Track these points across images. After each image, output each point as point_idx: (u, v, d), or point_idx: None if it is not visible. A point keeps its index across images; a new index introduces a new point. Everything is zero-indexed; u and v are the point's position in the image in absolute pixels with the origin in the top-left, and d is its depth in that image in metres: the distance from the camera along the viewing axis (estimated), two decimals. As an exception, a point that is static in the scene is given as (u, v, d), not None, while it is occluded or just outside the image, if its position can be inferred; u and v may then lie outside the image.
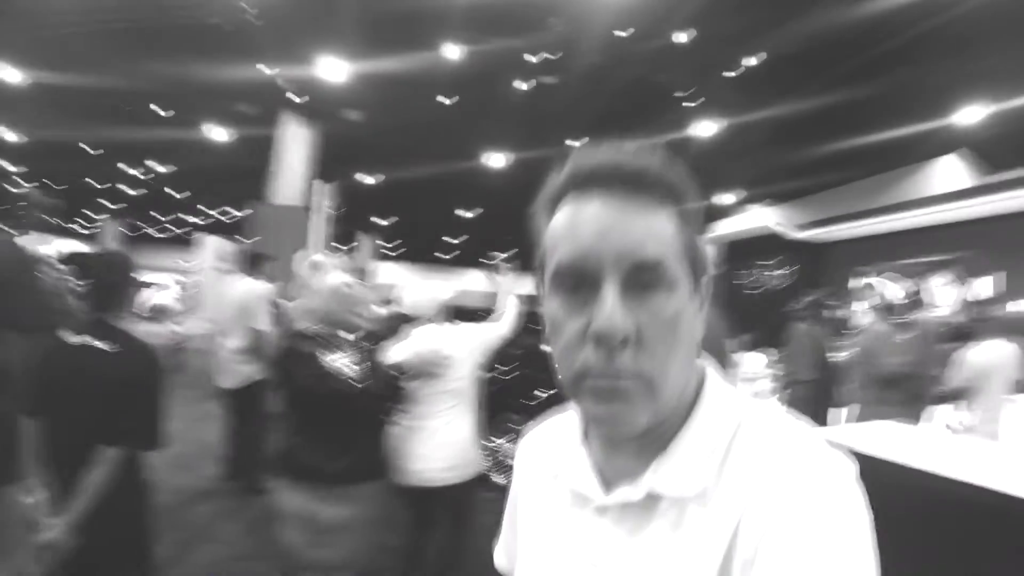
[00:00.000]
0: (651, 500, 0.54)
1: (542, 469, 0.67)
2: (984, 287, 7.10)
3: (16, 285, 2.03)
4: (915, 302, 4.16)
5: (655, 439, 0.54)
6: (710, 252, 0.48)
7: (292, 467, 2.28)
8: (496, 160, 11.47)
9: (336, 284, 2.35)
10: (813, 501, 0.46)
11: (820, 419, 4.33)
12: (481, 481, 2.76)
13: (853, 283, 9.61)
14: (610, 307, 0.48)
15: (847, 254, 10.19)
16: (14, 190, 2.89)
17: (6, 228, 2.72)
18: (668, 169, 0.53)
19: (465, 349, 2.63)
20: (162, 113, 10.82)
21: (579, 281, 0.50)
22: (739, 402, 0.56)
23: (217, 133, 11.40)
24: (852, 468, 0.50)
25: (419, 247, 28.28)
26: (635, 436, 0.53)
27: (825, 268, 10.61)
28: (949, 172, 7.84)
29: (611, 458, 0.58)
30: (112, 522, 1.77)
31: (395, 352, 2.46)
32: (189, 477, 4.74)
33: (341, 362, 2.26)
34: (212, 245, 15.28)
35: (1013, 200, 6.55)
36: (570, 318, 0.51)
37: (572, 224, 0.51)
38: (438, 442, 2.50)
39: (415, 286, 2.75)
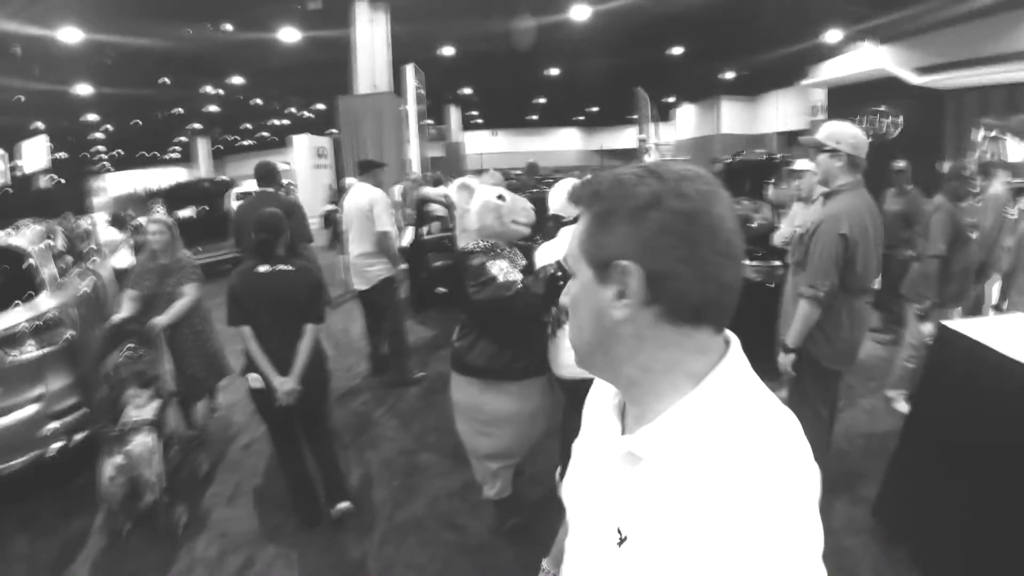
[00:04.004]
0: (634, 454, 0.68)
1: (596, 408, 0.85)
2: None
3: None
4: None
5: (653, 407, 0.67)
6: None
7: (461, 363, 2.55)
8: (578, 13, 10.54)
9: (487, 200, 2.48)
10: (743, 505, 0.56)
11: (961, 294, 3.82)
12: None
13: (974, 136, 8.37)
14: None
15: (972, 104, 8.78)
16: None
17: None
18: (594, 185, 0.67)
19: None
20: (228, 27, 10.70)
21: None
22: (735, 393, 0.65)
23: (288, 34, 11.18)
24: (805, 480, 0.60)
25: (505, 112, 27.57)
26: (620, 390, 0.75)
27: (944, 119, 9.24)
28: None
29: (631, 414, 0.74)
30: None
31: (546, 254, 2.48)
32: (339, 378, 4.80)
33: (504, 270, 2.36)
34: (304, 143, 15.58)
35: None
36: None
37: None
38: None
39: (561, 187, 2.73)
